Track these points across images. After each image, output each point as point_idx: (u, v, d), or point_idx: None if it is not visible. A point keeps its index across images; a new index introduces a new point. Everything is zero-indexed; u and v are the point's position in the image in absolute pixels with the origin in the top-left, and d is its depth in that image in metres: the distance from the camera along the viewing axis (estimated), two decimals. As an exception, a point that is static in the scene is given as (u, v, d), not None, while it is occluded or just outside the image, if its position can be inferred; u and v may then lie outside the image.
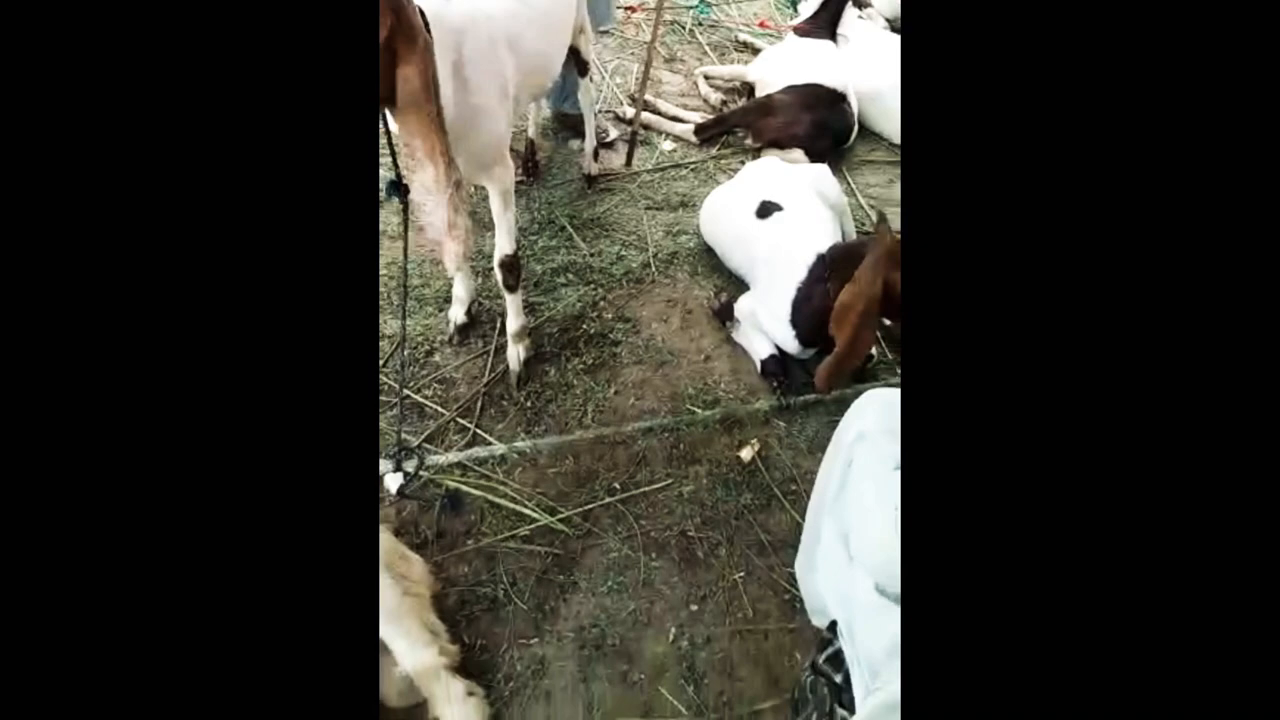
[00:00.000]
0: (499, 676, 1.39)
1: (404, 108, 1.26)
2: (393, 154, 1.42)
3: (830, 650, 1.16)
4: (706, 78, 3.26)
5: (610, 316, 2.13)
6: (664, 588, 1.54)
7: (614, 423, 1.83)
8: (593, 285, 2.21)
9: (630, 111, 2.81)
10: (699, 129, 2.88)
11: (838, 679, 1.12)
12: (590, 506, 1.65)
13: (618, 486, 1.69)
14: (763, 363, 1.97)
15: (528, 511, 1.63)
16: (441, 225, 1.26)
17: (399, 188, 1.45)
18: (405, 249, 1.61)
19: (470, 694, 1.30)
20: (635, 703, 1.37)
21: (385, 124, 1.40)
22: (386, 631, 1.26)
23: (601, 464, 1.74)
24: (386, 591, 1.28)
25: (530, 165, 2.65)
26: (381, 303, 2.14)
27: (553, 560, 1.56)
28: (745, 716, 1.37)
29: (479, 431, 1.79)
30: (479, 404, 1.86)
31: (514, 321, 1.90)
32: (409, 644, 1.26)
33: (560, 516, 1.62)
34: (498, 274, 1.82)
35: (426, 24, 1.29)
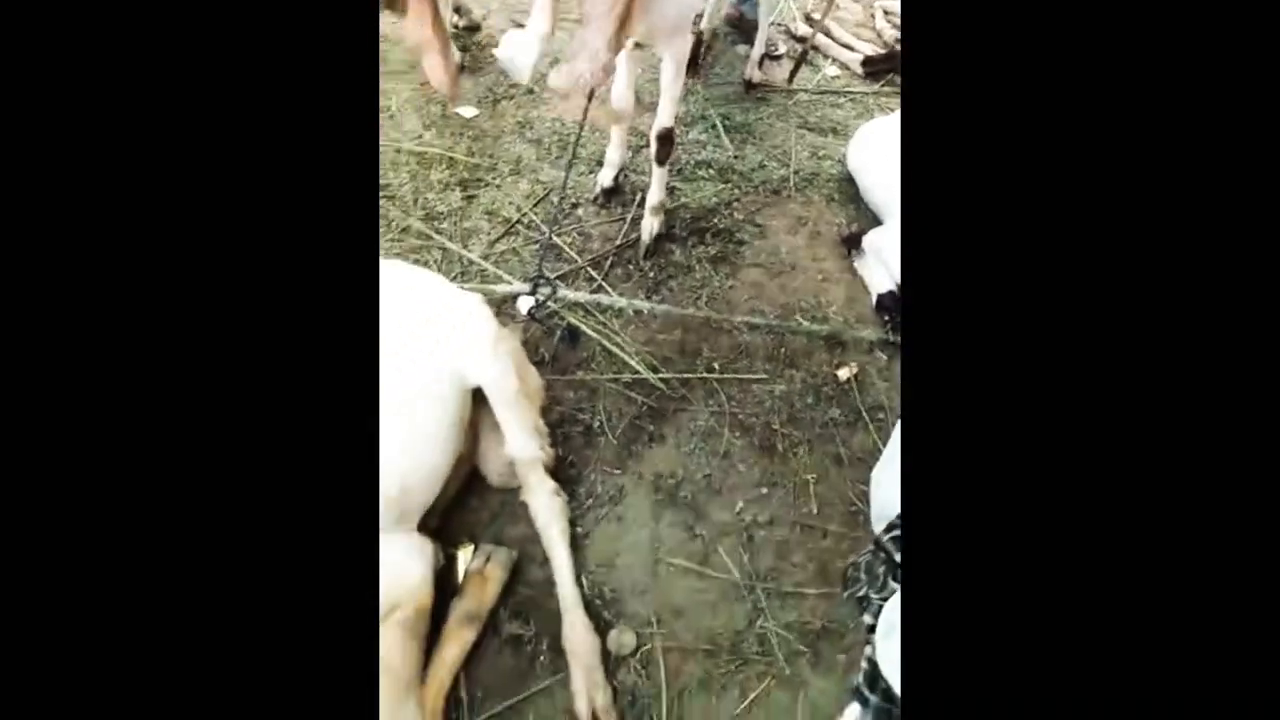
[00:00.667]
0: (581, 491, 1.56)
1: None
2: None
3: (896, 531, 1.27)
4: (885, 13, 3.20)
5: (740, 218, 2.21)
6: (740, 465, 1.67)
7: (725, 311, 1.94)
8: (730, 185, 2.29)
9: (804, 29, 2.81)
10: (867, 61, 2.85)
11: (897, 557, 1.23)
12: (689, 375, 1.78)
13: (716, 366, 1.82)
14: (879, 297, 2.03)
15: (633, 363, 1.77)
16: (596, 68, 1.38)
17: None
18: (588, 101, 1.72)
19: (556, 494, 1.47)
20: (694, 552, 1.52)
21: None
22: (504, 415, 1.43)
23: (706, 344, 1.86)
24: (510, 381, 1.45)
25: (697, 58, 2.70)
26: (540, 152, 2.28)
27: (646, 410, 1.70)
28: (790, 592, 1.51)
29: (604, 284, 1.93)
30: (608, 261, 2.00)
31: (655, 195, 2.00)
32: (520, 432, 1.44)
33: (661, 375, 1.76)
34: (652, 145, 1.92)
35: None
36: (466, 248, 1.99)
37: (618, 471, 1.60)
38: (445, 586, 1.32)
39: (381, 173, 2.16)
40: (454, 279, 1.89)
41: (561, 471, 1.55)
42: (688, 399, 1.75)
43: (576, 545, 1.45)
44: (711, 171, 2.32)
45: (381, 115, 2.37)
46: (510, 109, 2.51)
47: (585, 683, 1.26)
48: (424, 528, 1.34)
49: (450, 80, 1.89)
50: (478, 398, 1.46)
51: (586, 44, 1.47)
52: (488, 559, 1.37)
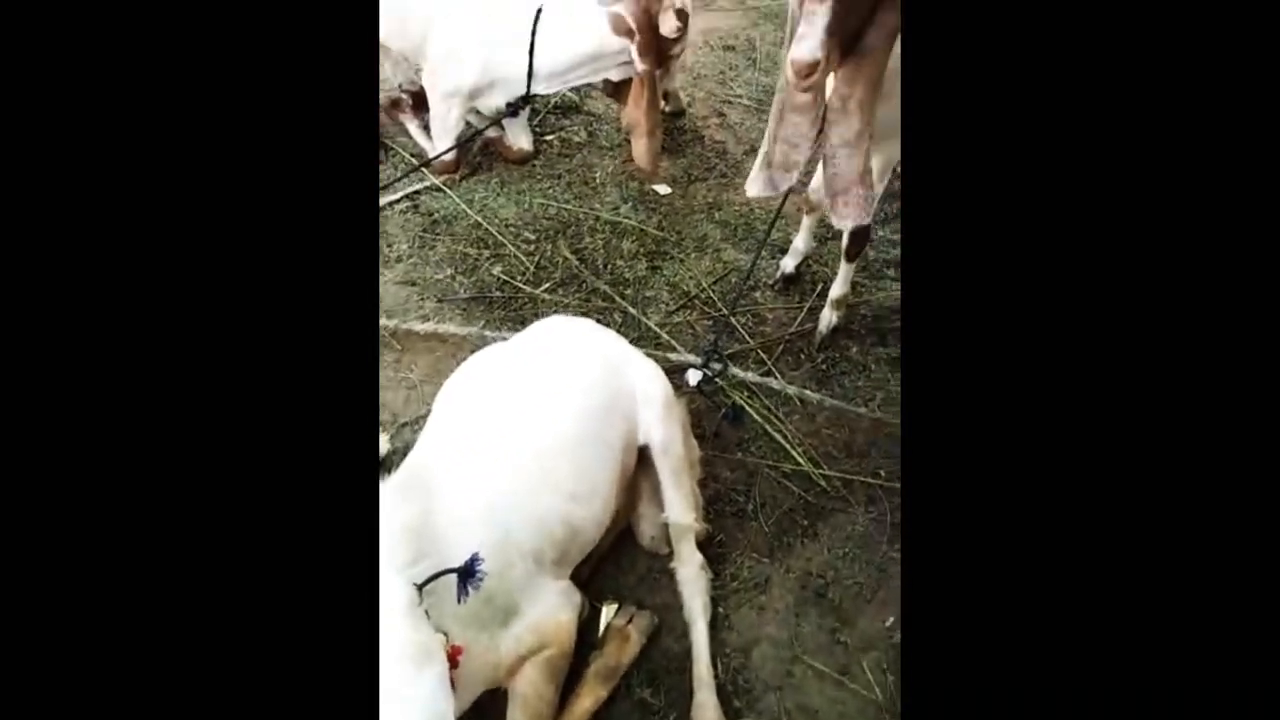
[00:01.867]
0: (727, 572, 1.59)
1: (867, 52, 1.44)
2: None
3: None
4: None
5: (925, 324, 2.21)
6: (895, 580, 1.63)
7: (898, 417, 1.93)
8: (916, 290, 2.31)
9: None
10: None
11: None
12: (853, 477, 1.78)
13: (882, 473, 1.80)
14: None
15: (794, 453, 1.80)
16: (853, 175, 1.45)
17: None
18: (787, 192, 1.85)
19: (704, 569, 1.51)
20: (836, 659, 1.49)
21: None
22: (666, 478, 1.51)
23: (874, 447, 1.86)
24: (677, 445, 1.53)
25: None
26: (726, 232, 2.44)
27: (803, 504, 1.72)
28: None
29: (774, 369, 2.00)
30: (780, 347, 2.07)
31: (839, 288, 2.07)
32: (679, 498, 1.51)
33: (822, 471, 1.78)
34: (845, 239, 2.00)
35: None
36: (646, 315, 2.15)
37: (766, 560, 1.62)
38: (586, 638, 1.39)
39: (579, 238, 2.40)
40: (632, 342, 2.04)
41: (710, 549, 1.60)
42: (848, 500, 1.74)
43: (716, 625, 1.48)
44: (898, 272, 2.36)
45: (584, 187, 2.64)
46: (702, 190, 2.70)
47: (708, 766, 1.26)
48: (575, 577, 1.43)
49: (653, 160, 2.12)
50: (642, 457, 1.56)
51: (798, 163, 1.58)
52: (630, 619, 1.43)
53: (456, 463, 1.33)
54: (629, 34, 2.05)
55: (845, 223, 1.53)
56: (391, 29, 2.43)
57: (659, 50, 2.03)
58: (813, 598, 1.58)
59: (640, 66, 2.04)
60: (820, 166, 2.07)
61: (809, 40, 1.28)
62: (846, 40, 1.38)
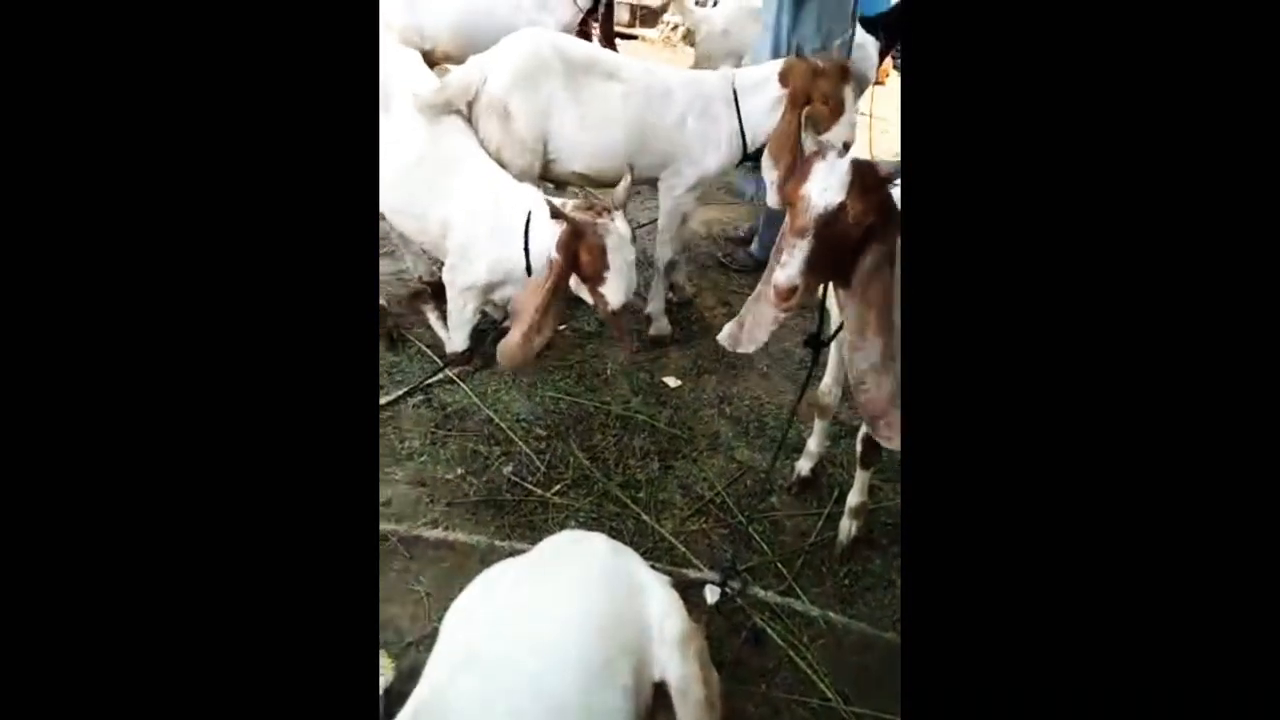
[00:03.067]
0: (755, 834, 1.46)
1: (867, 280, 1.53)
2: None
3: None
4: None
5: (945, 531, 2.18)
6: (941, 842, 1.49)
7: (927, 640, 1.85)
8: (934, 493, 2.30)
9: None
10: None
11: None
12: (885, 716, 1.68)
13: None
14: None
15: (821, 686, 1.71)
16: (885, 398, 1.50)
17: (816, 341, 1.78)
18: (801, 393, 1.90)
19: (730, 833, 1.38)
20: None
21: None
22: (684, 714, 1.42)
23: (905, 676, 1.77)
24: (697, 685, 1.45)
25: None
26: (737, 430, 2.47)
27: (834, 747, 1.61)
28: None
29: (795, 585, 1.94)
30: (800, 560, 2.03)
31: (856, 496, 2.06)
32: (703, 747, 1.40)
33: (853, 709, 1.68)
34: (859, 445, 2.02)
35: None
36: (660, 522, 2.12)
37: (798, 817, 1.49)
38: None
39: (589, 434, 2.43)
40: (645, 554, 1.99)
41: (736, 804, 1.47)
42: (883, 741, 1.63)
43: None
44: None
45: (595, 379, 2.71)
46: (711, 383, 2.77)
47: None
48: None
49: (510, 358, 2.12)
50: (659, 694, 1.47)
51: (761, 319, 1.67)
52: None
53: (463, 707, 1.25)
54: (557, 221, 2.16)
55: (893, 444, 1.57)
56: (412, 226, 2.59)
57: (574, 250, 2.11)
58: None
59: (552, 255, 2.13)
60: (830, 369, 2.16)
61: (789, 269, 1.42)
62: (830, 270, 1.52)
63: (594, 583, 1.52)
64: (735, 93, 2.70)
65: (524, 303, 2.18)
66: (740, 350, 1.77)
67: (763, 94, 2.67)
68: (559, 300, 2.14)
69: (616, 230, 2.11)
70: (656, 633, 1.48)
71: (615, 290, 2.11)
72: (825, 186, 1.45)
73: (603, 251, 2.08)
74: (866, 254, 1.50)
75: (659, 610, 1.52)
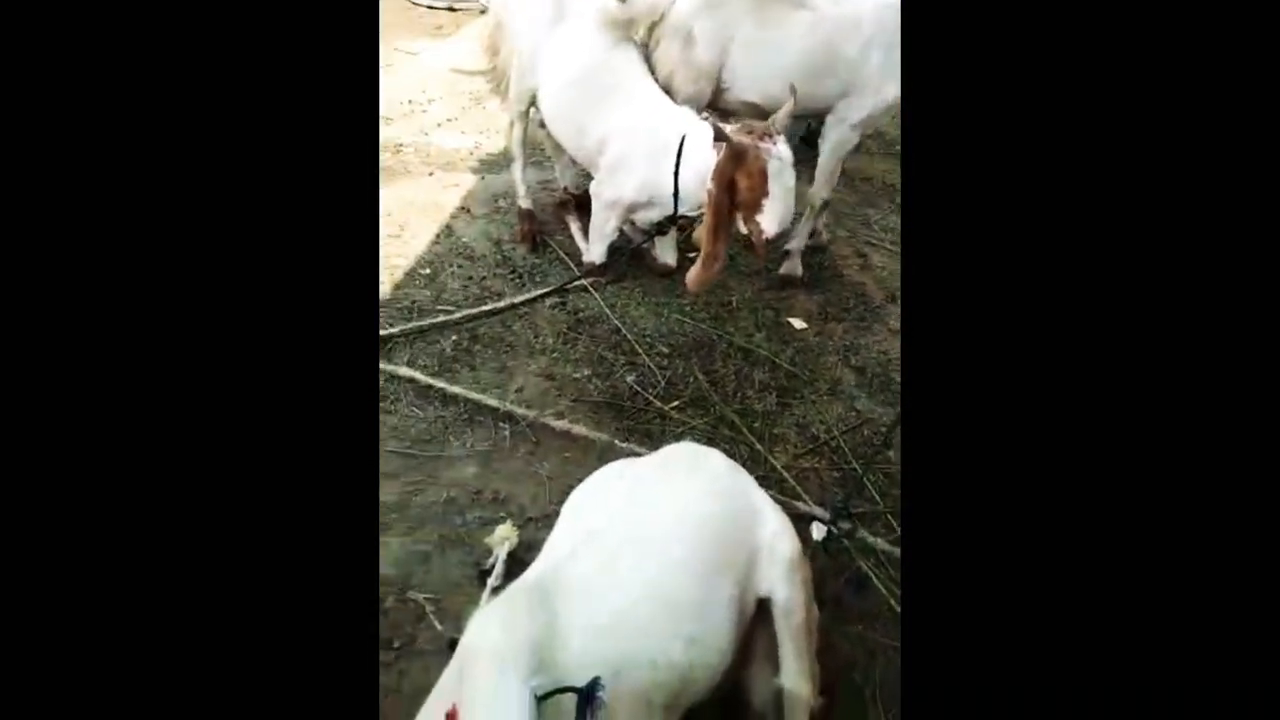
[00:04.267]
0: (836, 758, 1.48)
1: None
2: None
3: None
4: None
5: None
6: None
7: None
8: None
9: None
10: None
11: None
12: (980, 677, 1.65)
13: (1013, 679, 1.67)
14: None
15: (919, 638, 1.69)
16: None
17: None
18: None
19: (815, 751, 1.41)
20: None
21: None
22: (784, 641, 1.44)
23: (1004, 646, 1.73)
24: (799, 609, 1.47)
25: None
26: (861, 380, 2.42)
27: (924, 697, 1.60)
28: None
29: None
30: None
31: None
32: (796, 664, 1.43)
33: (948, 664, 1.66)
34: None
35: None
36: (772, 454, 2.12)
37: (880, 753, 1.50)
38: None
39: (711, 360, 2.43)
40: (756, 481, 2.01)
41: (822, 727, 1.49)
42: (972, 702, 1.61)
43: (822, 818, 1.37)
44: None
45: (721, 309, 2.69)
46: (839, 330, 2.70)
47: None
48: (679, 729, 1.36)
49: (699, 285, 2.14)
50: (760, 612, 1.50)
51: None
52: (733, 790, 1.34)
53: (582, 584, 1.31)
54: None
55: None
56: (568, 134, 2.61)
57: (731, 177, 2.06)
58: (926, 810, 1.44)
59: (709, 184, 2.08)
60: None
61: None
62: None
63: (711, 493, 1.54)
64: None
65: (699, 234, 2.21)
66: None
67: None
68: (725, 225, 2.12)
69: (778, 154, 2.05)
70: (766, 552, 1.50)
71: (772, 218, 2.06)
72: None
73: (763, 176, 2.03)
74: None
75: (771, 531, 1.53)
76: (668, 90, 2.55)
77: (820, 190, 2.83)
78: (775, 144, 2.07)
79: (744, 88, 2.59)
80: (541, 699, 1.07)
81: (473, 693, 1.09)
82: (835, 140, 2.70)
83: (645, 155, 2.40)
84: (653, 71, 2.59)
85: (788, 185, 2.06)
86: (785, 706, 1.43)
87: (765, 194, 2.04)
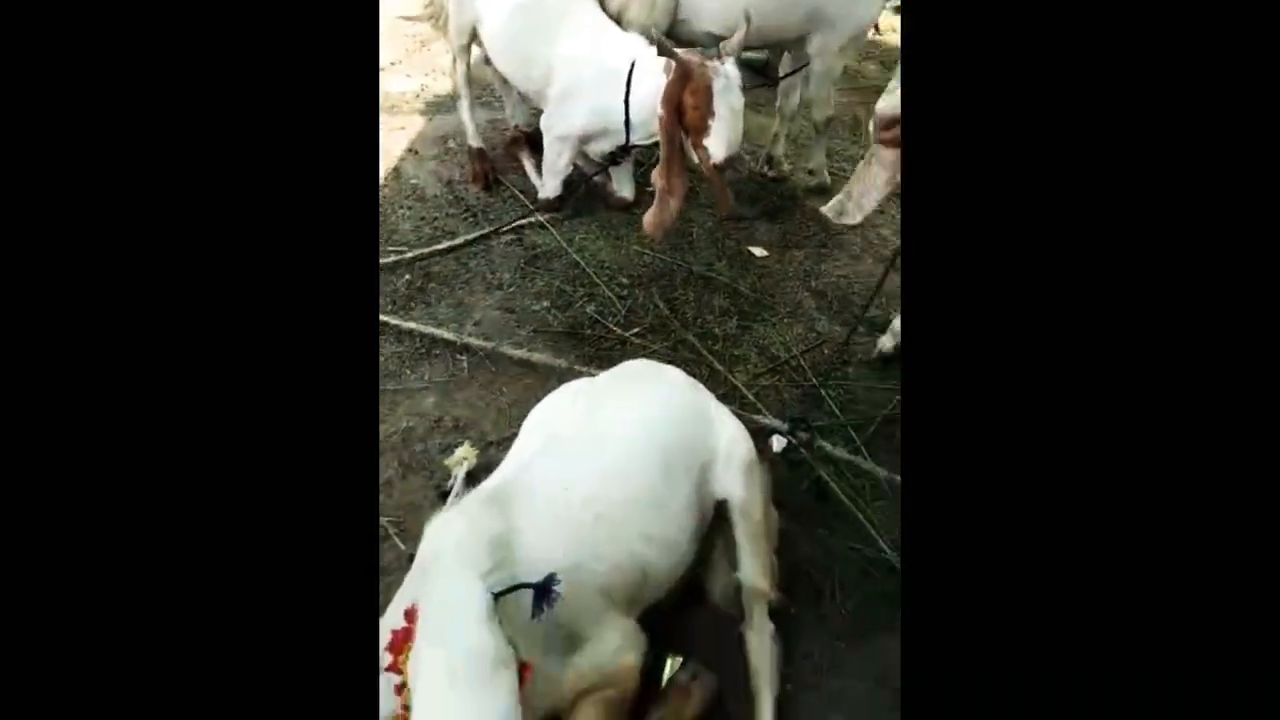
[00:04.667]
0: (799, 651, 1.52)
1: None
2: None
3: None
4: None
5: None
6: (976, 690, 1.52)
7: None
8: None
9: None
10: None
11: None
12: (937, 571, 1.69)
13: (969, 572, 1.71)
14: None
15: (882, 543, 1.73)
16: None
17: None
18: (891, 263, 1.84)
19: (775, 640, 1.44)
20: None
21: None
22: (742, 538, 1.46)
23: (961, 543, 1.77)
24: (756, 507, 1.49)
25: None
26: (821, 303, 2.42)
27: (884, 594, 1.64)
28: None
29: (864, 449, 1.94)
30: (872, 428, 2.01)
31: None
32: (755, 562, 1.45)
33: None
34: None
35: None
36: (733, 374, 2.12)
37: (841, 645, 1.54)
38: (648, 688, 1.33)
39: (671, 288, 2.42)
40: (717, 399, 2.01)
41: (783, 623, 1.52)
42: (930, 594, 1.65)
43: (782, 702, 1.40)
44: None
45: (680, 239, 2.67)
46: (799, 256, 2.70)
47: None
48: (641, 624, 1.38)
49: (656, 227, 2.10)
50: (719, 515, 1.52)
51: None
52: (694, 676, 1.36)
53: (539, 487, 1.32)
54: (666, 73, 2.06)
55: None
56: (515, 69, 2.54)
57: (679, 101, 2.01)
58: (891, 699, 1.48)
59: (659, 111, 2.03)
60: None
61: (894, 96, 1.31)
62: None
63: (668, 402, 1.55)
64: None
65: (656, 172, 2.15)
66: (847, 221, 1.71)
67: None
68: (679, 157, 2.08)
69: (725, 73, 2.01)
70: (723, 456, 1.51)
71: (719, 140, 2.02)
72: None
73: (708, 95, 1.99)
74: None
75: (728, 437, 1.54)
76: (620, 22, 2.48)
77: (821, 111, 2.82)
78: (723, 63, 2.03)
79: (702, 17, 2.52)
80: (499, 596, 1.08)
81: (431, 592, 1.09)
82: (821, 70, 2.67)
83: (594, 84, 2.34)
84: (603, 2, 2.52)
85: (734, 107, 2.02)
86: (744, 600, 1.45)
87: (711, 114, 2.00)
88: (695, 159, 2.11)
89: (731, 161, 2.12)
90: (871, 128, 1.42)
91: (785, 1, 2.45)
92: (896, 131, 1.37)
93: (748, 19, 2.16)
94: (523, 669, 1.05)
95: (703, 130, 2.04)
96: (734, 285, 2.48)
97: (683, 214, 2.32)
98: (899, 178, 1.59)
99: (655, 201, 2.11)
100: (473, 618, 1.00)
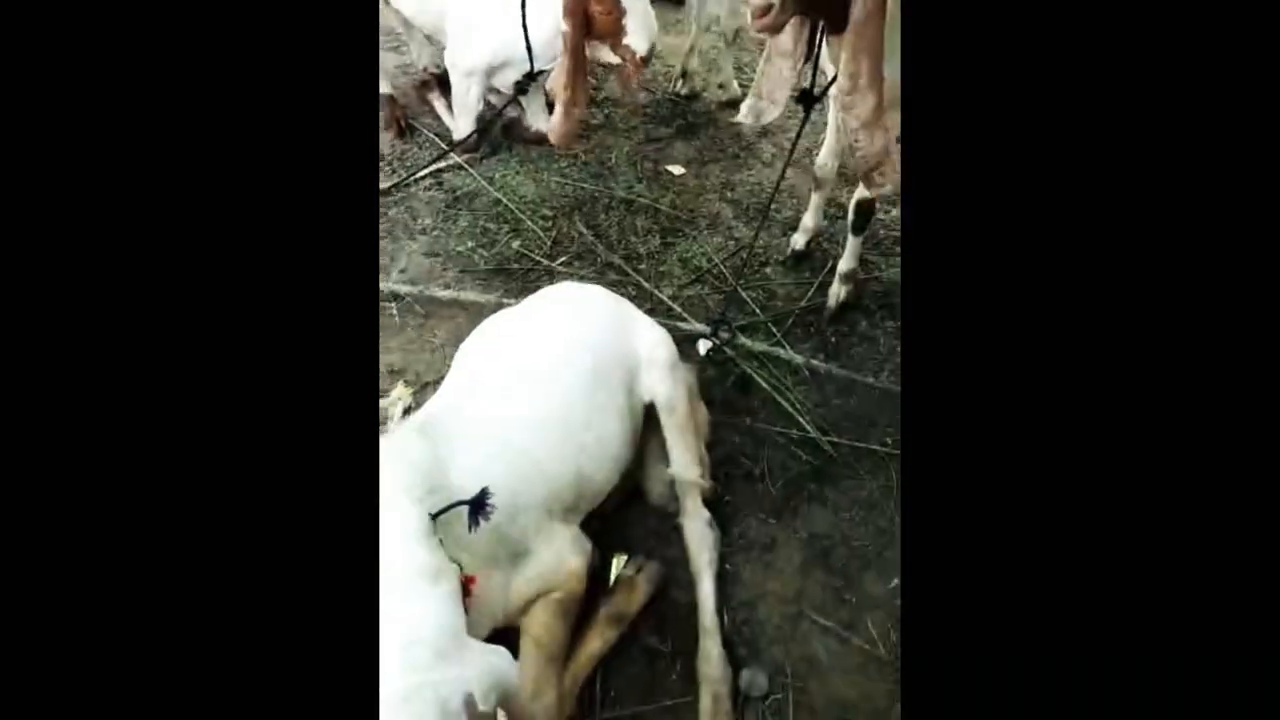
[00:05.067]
0: (735, 531, 1.64)
1: (859, 27, 1.46)
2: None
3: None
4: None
5: (934, 301, 2.24)
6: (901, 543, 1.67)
7: (905, 389, 1.96)
8: (927, 268, 2.34)
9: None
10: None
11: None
12: (859, 444, 1.82)
13: (889, 441, 1.84)
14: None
15: (802, 421, 1.84)
16: (879, 150, 1.48)
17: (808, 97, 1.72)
18: (785, 166, 1.90)
19: (711, 526, 1.56)
20: (841, 615, 1.53)
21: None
22: (671, 434, 1.56)
23: (882, 417, 1.89)
24: (681, 404, 1.58)
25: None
26: (738, 211, 2.48)
27: (810, 469, 1.76)
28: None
29: (783, 340, 2.04)
30: (790, 320, 2.11)
31: (846, 262, 2.10)
32: (684, 453, 1.56)
33: (830, 439, 1.82)
34: (850, 213, 2.03)
35: None
36: (659, 288, 2.19)
37: (773, 521, 1.67)
38: (597, 587, 1.44)
39: (594, 215, 2.45)
40: (645, 313, 2.09)
41: (718, 509, 1.64)
42: (854, 467, 1.78)
43: (723, 579, 1.53)
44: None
45: (600, 167, 2.69)
46: (715, 170, 2.74)
47: (712, 709, 1.31)
48: (585, 529, 1.48)
49: (564, 136, 2.11)
50: (649, 417, 1.61)
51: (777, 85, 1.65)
52: (639, 569, 1.48)
53: (472, 411, 1.39)
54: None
55: (885, 190, 1.59)
56: (415, 8, 2.48)
57: (584, 11, 1.98)
58: (819, 558, 1.62)
59: (563, 26, 2.00)
60: (827, 142, 2.12)
61: None
62: (829, 11, 1.44)
63: (590, 318, 1.61)
64: None
65: (554, 83, 2.13)
66: (764, 120, 1.74)
67: None
68: (582, 68, 2.08)
69: None
70: (646, 361, 1.60)
71: (640, 35, 2.03)
72: None
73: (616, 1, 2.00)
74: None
75: (649, 342, 1.62)
76: None
77: (729, 22, 2.92)
78: None
79: None
80: (435, 516, 1.15)
81: (369, 517, 1.17)
82: None
83: (491, 14, 2.31)
84: None
85: (644, 2, 2.04)
86: (678, 492, 1.56)
87: (623, 12, 2.01)
88: (615, 59, 2.11)
89: (653, 50, 2.14)
90: (750, 21, 1.44)
91: None
92: (771, 16, 1.39)
93: None
94: (468, 581, 1.13)
95: (619, 31, 2.03)
96: (655, 205, 2.52)
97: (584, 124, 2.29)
98: (800, 64, 1.63)
99: (559, 112, 2.11)
100: (408, 538, 1.06)
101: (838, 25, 1.48)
